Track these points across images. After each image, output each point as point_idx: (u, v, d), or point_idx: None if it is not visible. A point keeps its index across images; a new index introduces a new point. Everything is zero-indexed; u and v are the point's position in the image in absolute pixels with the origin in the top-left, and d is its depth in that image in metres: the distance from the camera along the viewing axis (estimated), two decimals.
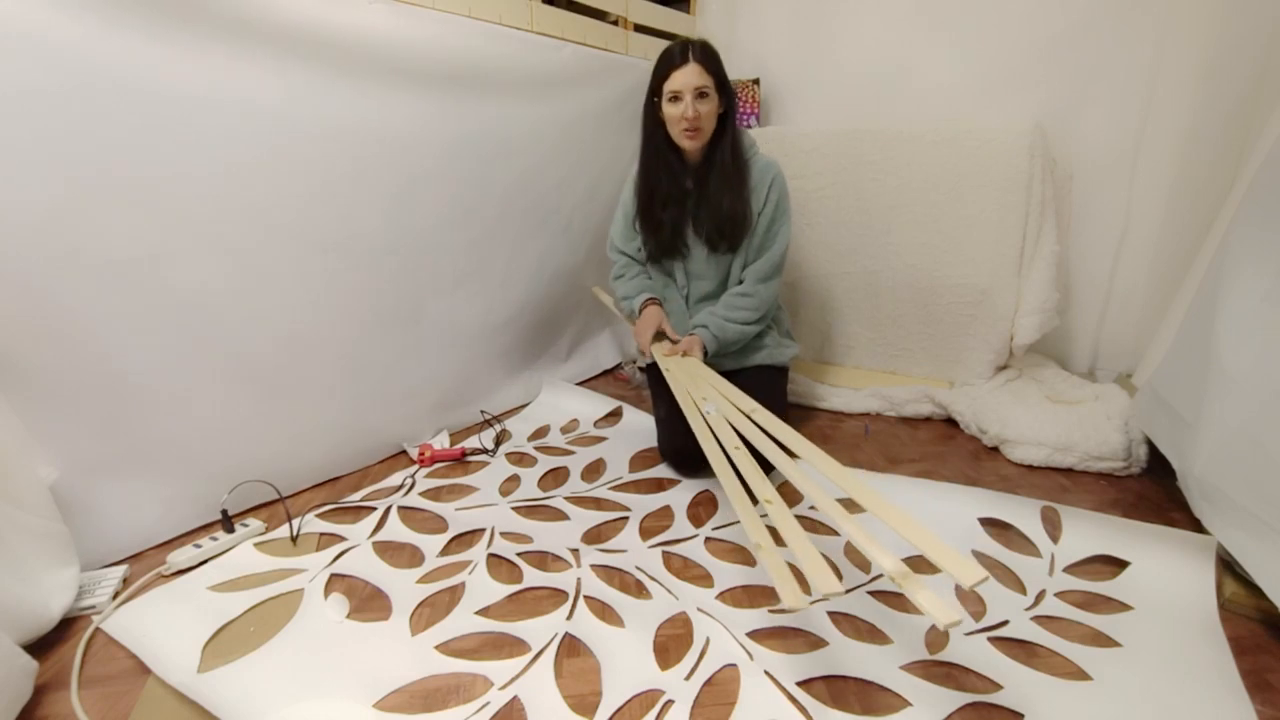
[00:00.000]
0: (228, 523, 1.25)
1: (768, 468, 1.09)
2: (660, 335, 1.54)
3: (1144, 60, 1.67)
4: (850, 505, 1.35)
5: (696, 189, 1.50)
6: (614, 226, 1.65)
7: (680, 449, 1.50)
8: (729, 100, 1.43)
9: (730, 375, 1.56)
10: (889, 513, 0.87)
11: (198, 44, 1.12)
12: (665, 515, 1.33)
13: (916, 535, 0.82)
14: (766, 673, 0.89)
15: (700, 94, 1.37)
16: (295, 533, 1.24)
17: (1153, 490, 1.39)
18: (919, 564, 1.16)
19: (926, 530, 0.82)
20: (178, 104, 1.11)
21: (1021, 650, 0.94)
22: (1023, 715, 0.82)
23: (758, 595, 1.08)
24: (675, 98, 1.38)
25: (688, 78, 1.36)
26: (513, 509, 1.36)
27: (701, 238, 1.52)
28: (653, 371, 1.67)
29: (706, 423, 1.21)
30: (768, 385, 1.57)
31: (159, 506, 1.23)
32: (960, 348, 1.85)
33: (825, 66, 2.09)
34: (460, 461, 1.58)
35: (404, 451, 1.62)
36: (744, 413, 1.21)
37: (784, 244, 1.53)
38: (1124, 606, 1.03)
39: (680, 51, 1.38)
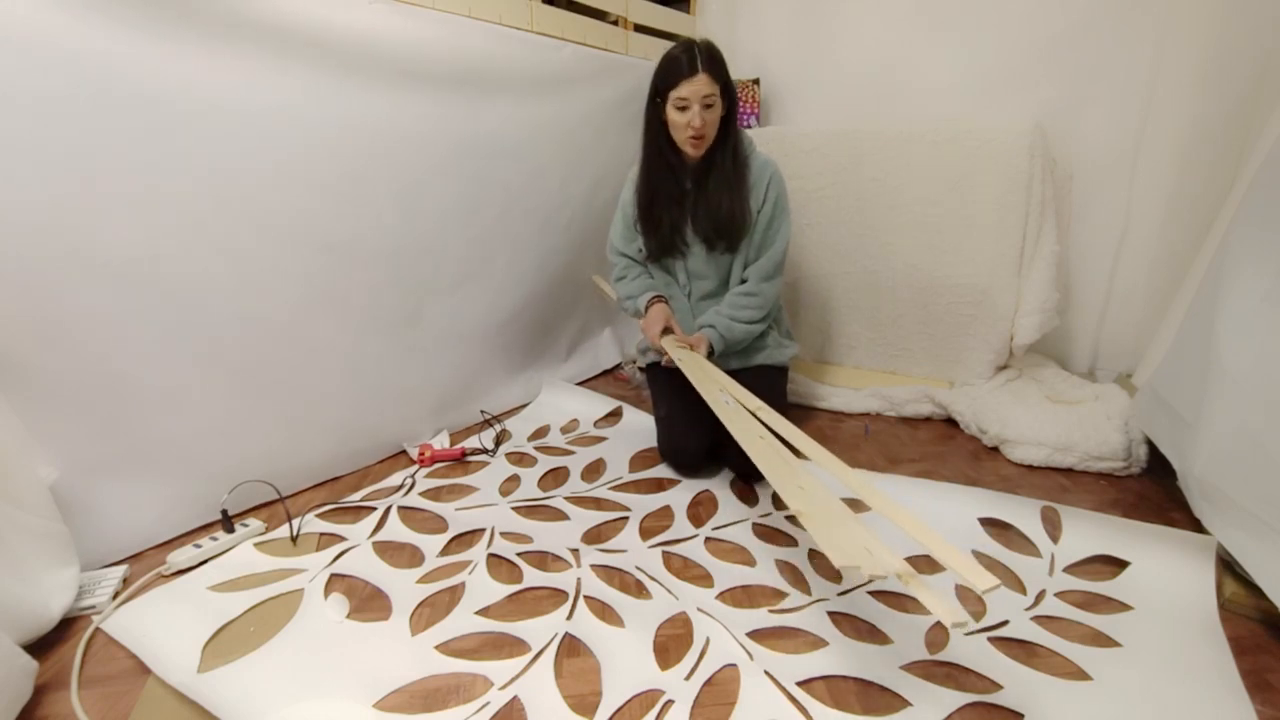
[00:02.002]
0: (228, 523, 1.25)
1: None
2: (667, 330, 1.54)
3: (1144, 60, 1.67)
4: (854, 505, 1.36)
5: (695, 189, 1.50)
6: (613, 228, 1.64)
7: (680, 449, 1.50)
8: (731, 102, 1.43)
9: (731, 375, 1.55)
10: (899, 514, 0.87)
11: (199, 44, 1.12)
12: (665, 515, 1.33)
13: (927, 538, 0.81)
14: (766, 673, 0.89)
15: (707, 104, 1.37)
16: (295, 533, 1.23)
17: (1153, 490, 1.39)
18: (920, 563, 1.16)
19: (937, 534, 0.82)
20: (178, 104, 1.11)
21: (1021, 650, 0.94)
22: (1023, 715, 0.83)
23: (758, 595, 1.08)
24: (682, 106, 1.37)
25: (696, 88, 1.35)
26: (513, 509, 1.36)
27: (700, 237, 1.52)
28: (652, 371, 1.67)
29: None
30: (768, 385, 1.57)
31: (159, 506, 1.23)
32: (960, 348, 1.85)
33: (825, 66, 2.09)
34: (460, 461, 1.58)
35: (404, 451, 1.62)
36: (750, 410, 1.21)
37: (785, 241, 1.53)
38: (1124, 606, 1.03)
39: (689, 60, 1.35)
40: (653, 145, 1.48)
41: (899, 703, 0.85)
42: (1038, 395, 1.69)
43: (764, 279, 1.52)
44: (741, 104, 2.15)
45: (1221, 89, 1.58)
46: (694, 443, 1.47)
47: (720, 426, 1.47)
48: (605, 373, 2.27)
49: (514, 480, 1.49)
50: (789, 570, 1.14)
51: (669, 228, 1.52)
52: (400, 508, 1.35)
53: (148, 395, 1.17)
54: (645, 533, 1.27)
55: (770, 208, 1.50)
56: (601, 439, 1.71)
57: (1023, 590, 1.08)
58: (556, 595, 1.08)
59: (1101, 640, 0.96)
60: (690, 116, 1.37)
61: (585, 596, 1.07)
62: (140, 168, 1.09)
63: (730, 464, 1.50)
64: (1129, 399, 1.53)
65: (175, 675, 0.89)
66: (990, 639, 0.96)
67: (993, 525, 1.25)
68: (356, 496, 1.40)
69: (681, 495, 1.41)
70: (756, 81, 2.15)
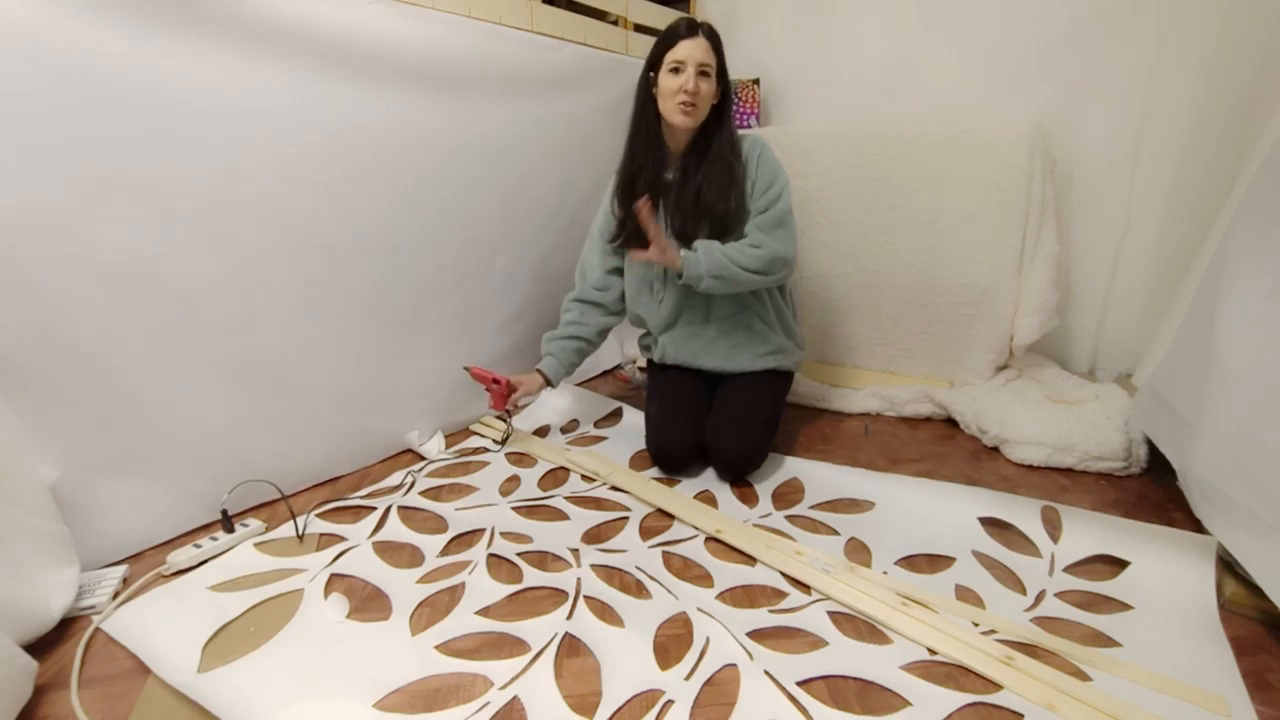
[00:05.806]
0: (228, 523, 1.25)
1: None
2: (513, 390, 1.57)
3: (1144, 60, 1.67)
4: (857, 505, 1.36)
5: (680, 180, 1.43)
6: (596, 218, 1.61)
7: (664, 449, 1.49)
8: (726, 90, 1.40)
9: (735, 377, 1.53)
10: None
11: (198, 44, 1.11)
12: (665, 515, 1.33)
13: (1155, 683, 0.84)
14: (766, 673, 0.89)
15: (703, 71, 1.34)
16: (302, 530, 1.23)
17: (1153, 490, 1.39)
18: (918, 562, 1.16)
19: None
20: (178, 104, 1.11)
21: (1022, 650, 0.94)
22: (1023, 715, 0.83)
23: (758, 595, 1.08)
24: (677, 69, 1.34)
25: (694, 51, 1.32)
26: (513, 509, 1.36)
27: (674, 232, 1.44)
28: (652, 371, 1.67)
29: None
30: (771, 389, 1.56)
31: (159, 506, 1.23)
32: (960, 348, 1.85)
33: (825, 66, 2.09)
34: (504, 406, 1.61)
35: (407, 451, 1.62)
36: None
37: (787, 196, 1.43)
38: (1124, 606, 1.03)
39: (688, 25, 1.35)
40: (640, 121, 1.43)
41: (899, 703, 0.85)
42: (1038, 395, 1.69)
43: (765, 231, 1.40)
44: (741, 104, 2.15)
45: (1221, 89, 1.58)
46: (679, 444, 1.46)
47: (707, 426, 1.46)
48: (605, 373, 2.28)
49: (514, 480, 1.49)
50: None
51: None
52: (400, 507, 1.35)
53: (148, 395, 1.17)
54: (645, 533, 1.27)
55: (767, 173, 1.42)
56: (602, 439, 1.71)
57: (1022, 590, 1.08)
58: (556, 595, 1.08)
59: (1101, 640, 0.96)
60: (684, 79, 1.32)
61: (585, 596, 1.07)
62: (140, 168, 1.08)
63: (717, 467, 1.48)
64: (1129, 399, 1.53)
65: (175, 675, 0.89)
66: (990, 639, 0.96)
67: (993, 525, 1.25)
68: (357, 496, 1.40)
69: (682, 495, 1.41)
70: (756, 81, 2.15)
